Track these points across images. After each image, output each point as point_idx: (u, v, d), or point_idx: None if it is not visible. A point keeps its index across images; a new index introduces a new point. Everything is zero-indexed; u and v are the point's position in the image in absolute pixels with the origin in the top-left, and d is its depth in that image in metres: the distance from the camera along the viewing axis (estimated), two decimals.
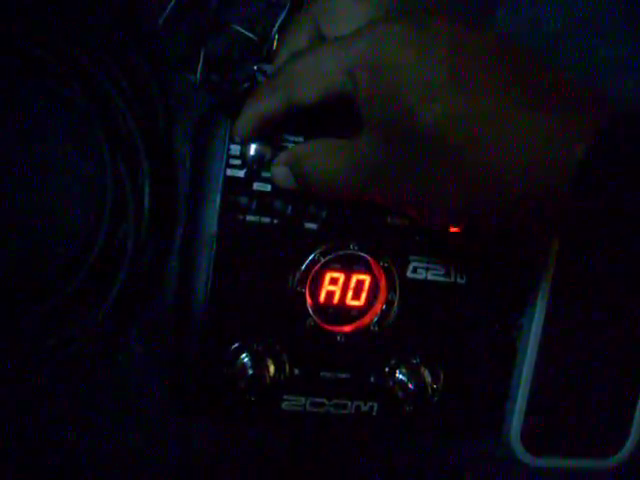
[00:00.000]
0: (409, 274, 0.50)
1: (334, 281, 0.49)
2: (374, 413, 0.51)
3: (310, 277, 0.48)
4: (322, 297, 0.49)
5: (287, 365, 0.49)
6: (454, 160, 0.37)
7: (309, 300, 0.49)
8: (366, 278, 0.49)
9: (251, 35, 0.52)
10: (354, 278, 0.49)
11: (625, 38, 0.58)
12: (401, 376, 0.50)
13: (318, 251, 0.48)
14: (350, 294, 0.50)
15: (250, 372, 0.47)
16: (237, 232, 0.47)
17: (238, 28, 0.52)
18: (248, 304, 0.48)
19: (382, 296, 0.50)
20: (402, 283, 0.49)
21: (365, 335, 0.50)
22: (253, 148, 0.46)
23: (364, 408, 0.51)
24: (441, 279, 0.50)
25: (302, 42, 0.44)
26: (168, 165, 0.51)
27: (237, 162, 0.47)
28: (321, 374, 0.50)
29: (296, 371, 0.49)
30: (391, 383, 0.50)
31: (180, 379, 0.50)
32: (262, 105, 0.44)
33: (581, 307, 0.53)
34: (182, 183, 0.50)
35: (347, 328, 0.50)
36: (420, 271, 0.50)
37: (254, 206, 0.47)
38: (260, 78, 0.50)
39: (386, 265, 0.49)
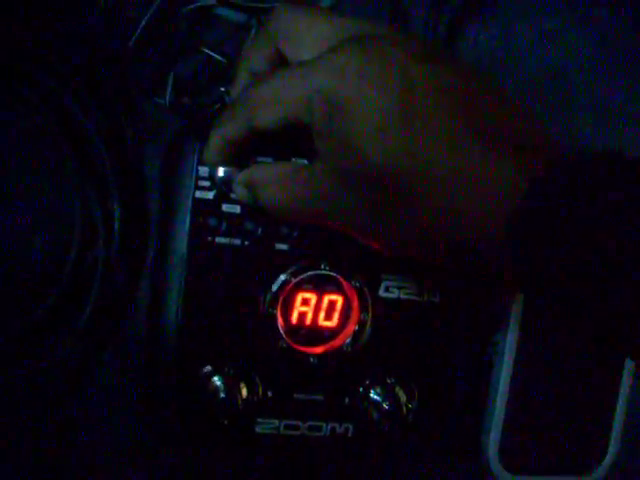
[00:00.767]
0: (381, 293, 0.49)
1: (306, 302, 0.49)
2: (350, 434, 0.51)
3: (281, 298, 0.48)
4: (294, 318, 0.49)
5: (260, 388, 0.48)
6: (401, 197, 0.38)
7: (281, 321, 0.48)
8: (338, 298, 0.49)
9: (220, 58, 0.53)
10: (326, 298, 0.49)
11: (594, 48, 0.58)
12: (376, 396, 0.50)
13: (289, 272, 0.48)
14: (322, 315, 0.49)
15: (222, 396, 0.47)
16: (207, 254, 0.47)
17: (207, 51, 0.53)
18: (219, 326, 0.47)
19: (355, 316, 0.49)
20: (374, 302, 0.49)
21: (338, 356, 0.49)
22: (222, 170, 0.46)
23: (339, 430, 0.50)
24: (414, 298, 0.50)
25: (261, 63, 0.44)
26: (138, 188, 0.51)
27: (206, 184, 0.47)
28: (295, 396, 0.49)
29: (269, 393, 0.49)
30: (366, 404, 0.50)
31: (151, 405, 0.49)
32: (225, 130, 0.44)
33: (557, 322, 0.53)
34: (152, 206, 0.50)
35: (320, 349, 0.49)
36: (393, 290, 0.50)
37: (224, 227, 0.47)
38: (228, 101, 0.49)
39: (358, 285, 0.49)
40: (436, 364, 0.51)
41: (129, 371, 0.50)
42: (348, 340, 0.50)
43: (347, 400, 0.50)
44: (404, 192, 0.38)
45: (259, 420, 0.49)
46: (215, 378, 0.48)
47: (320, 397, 0.50)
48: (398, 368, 0.51)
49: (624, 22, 0.60)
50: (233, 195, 0.46)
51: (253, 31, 0.52)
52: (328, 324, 0.49)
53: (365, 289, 0.49)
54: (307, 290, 0.49)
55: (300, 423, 0.50)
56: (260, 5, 0.52)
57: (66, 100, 0.49)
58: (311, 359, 0.49)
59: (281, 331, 0.48)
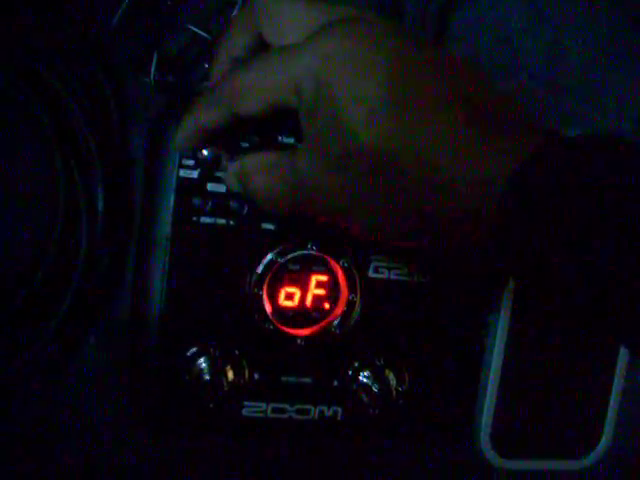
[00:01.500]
0: (371, 274, 0.49)
1: (293, 282, 0.48)
2: (339, 418, 0.50)
3: (268, 279, 0.47)
4: (281, 299, 0.48)
5: (246, 370, 0.48)
6: (391, 179, 0.37)
7: (267, 303, 0.47)
8: (326, 279, 0.48)
9: (205, 35, 0.51)
10: (313, 279, 0.48)
11: (590, 29, 0.57)
12: (365, 379, 0.49)
13: (275, 251, 0.47)
14: (310, 296, 0.48)
15: (207, 378, 0.46)
16: (192, 234, 0.46)
17: (193, 28, 0.51)
18: (204, 308, 0.46)
19: (343, 297, 0.49)
20: (363, 283, 0.48)
21: (326, 338, 0.48)
22: (205, 149, 0.45)
23: (328, 413, 0.49)
24: (404, 278, 0.49)
25: (242, 48, 0.43)
26: (122, 168, 0.50)
27: (190, 163, 0.46)
28: (282, 379, 0.48)
29: (256, 376, 0.48)
30: (355, 386, 0.49)
31: (137, 387, 0.48)
32: (204, 118, 0.42)
33: (546, 308, 0.52)
34: (136, 186, 0.49)
35: (307, 331, 0.49)
36: (382, 270, 0.49)
37: (209, 207, 0.46)
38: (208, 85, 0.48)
39: (346, 265, 0.48)
40: (427, 346, 0.50)
41: (113, 354, 0.49)
42: (336, 322, 0.49)
43: (336, 383, 0.49)
44: (393, 175, 0.37)
45: (246, 403, 0.48)
46: (200, 360, 0.47)
47: (308, 380, 0.49)
48: (388, 350, 0.50)
49: (620, 2, 0.59)
50: (220, 174, 0.45)
51: (236, 9, 0.51)
52: (316, 305, 0.48)
53: (354, 270, 0.48)
54: (294, 271, 0.48)
55: (288, 406, 0.49)
56: None
57: (49, 79, 0.48)
58: (298, 341, 0.48)
59: (268, 312, 0.48)
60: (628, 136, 0.56)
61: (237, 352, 0.47)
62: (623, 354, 0.55)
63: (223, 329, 0.47)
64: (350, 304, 0.48)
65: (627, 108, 0.59)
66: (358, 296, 0.48)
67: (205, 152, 0.45)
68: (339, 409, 0.50)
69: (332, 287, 0.48)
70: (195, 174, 0.46)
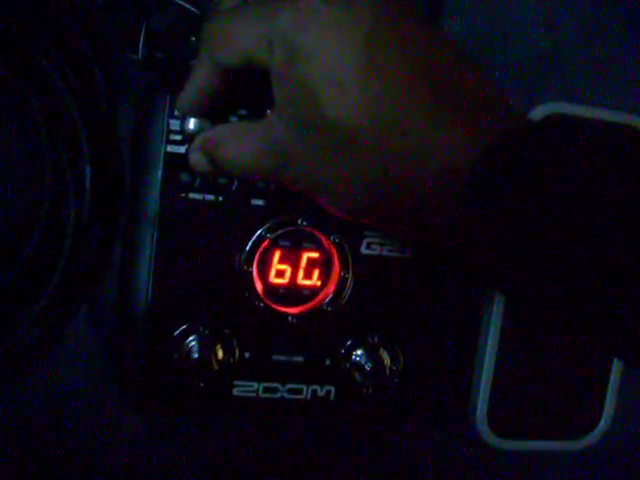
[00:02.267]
0: (363, 250, 0.48)
1: (283, 259, 0.47)
2: (331, 397, 0.49)
3: (258, 256, 0.46)
4: (271, 277, 0.47)
5: (237, 349, 0.47)
6: (355, 156, 0.36)
7: (258, 280, 0.47)
8: (317, 255, 0.47)
9: (194, 10, 0.51)
10: (304, 256, 0.47)
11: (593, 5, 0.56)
12: (358, 358, 0.48)
13: (265, 227, 0.46)
14: (301, 273, 0.47)
15: (196, 356, 0.45)
16: (180, 210, 0.45)
17: (181, 2, 0.51)
18: (193, 285, 0.46)
19: (335, 274, 0.48)
20: (355, 260, 0.47)
21: (318, 315, 0.48)
22: (193, 122, 0.44)
23: (320, 393, 0.49)
24: (397, 255, 0.48)
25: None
26: (109, 145, 0.49)
27: (177, 137, 0.45)
28: (273, 358, 0.47)
29: (246, 355, 0.47)
30: (348, 365, 0.48)
31: (126, 367, 0.48)
32: (196, 76, 0.42)
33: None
34: (124, 163, 0.48)
35: (299, 309, 0.48)
36: (374, 247, 0.48)
37: (197, 183, 0.45)
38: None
39: (338, 241, 0.47)
40: (421, 324, 0.49)
41: (102, 333, 0.48)
42: (328, 299, 0.48)
43: (328, 362, 0.48)
44: (357, 150, 0.36)
45: (237, 383, 0.47)
46: (190, 338, 0.46)
47: (300, 359, 0.48)
48: (381, 328, 0.49)
49: None
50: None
51: None
52: (307, 282, 0.48)
53: (346, 246, 0.47)
54: (284, 247, 0.47)
55: (279, 386, 0.48)
56: None
57: (35, 56, 0.47)
58: (290, 319, 0.47)
59: (258, 290, 0.47)
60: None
61: (227, 331, 0.47)
62: None
63: (213, 307, 0.46)
64: (342, 281, 0.47)
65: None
66: (350, 273, 0.47)
67: (192, 126, 0.44)
68: (332, 388, 0.49)
69: (323, 264, 0.48)
70: (183, 149, 0.45)
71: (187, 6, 0.51)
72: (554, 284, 0.33)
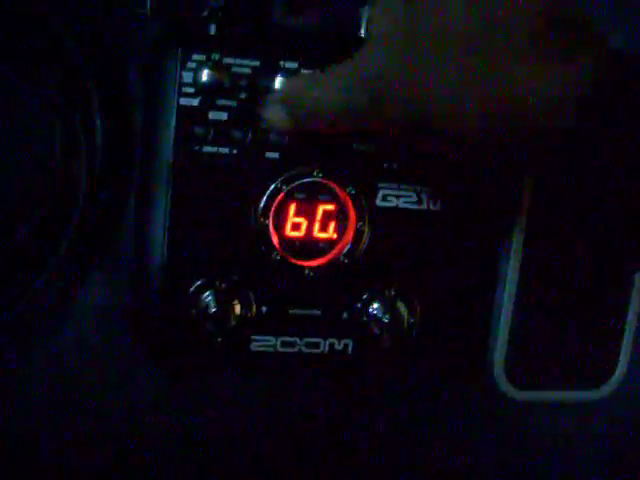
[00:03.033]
0: (379, 202, 0.47)
1: (299, 212, 0.47)
2: (349, 351, 0.49)
3: (273, 208, 0.46)
4: (287, 230, 0.47)
5: (253, 303, 0.46)
6: (469, 71, 0.37)
7: (274, 233, 0.46)
8: (333, 208, 0.47)
9: None
10: (320, 208, 0.47)
11: None
12: (375, 310, 0.48)
13: (280, 180, 0.45)
14: (317, 225, 0.47)
15: (213, 310, 0.45)
16: (194, 164, 0.45)
17: None
18: (209, 239, 0.45)
19: (351, 226, 0.47)
20: (372, 212, 0.47)
21: (335, 268, 0.47)
22: (205, 74, 0.44)
23: (338, 346, 0.48)
24: (413, 207, 0.48)
25: None
26: (120, 99, 0.48)
27: (190, 90, 0.44)
28: (290, 312, 0.47)
29: (264, 309, 0.47)
30: (365, 318, 0.48)
31: (142, 324, 0.47)
32: None
33: (564, 231, 0.50)
34: (136, 117, 0.48)
35: (316, 262, 0.47)
36: (390, 199, 0.47)
37: (211, 136, 0.45)
38: (213, 3, 0.47)
39: (353, 193, 0.46)
40: (438, 276, 0.49)
41: (118, 289, 0.48)
42: (345, 252, 0.47)
43: (345, 315, 0.48)
44: (469, 67, 0.37)
45: (254, 337, 0.47)
46: (206, 293, 0.46)
47: (317, 312, 0.48)
48: (398, 280, 0.48)
49: None
50: (221, 102, 0.43)
51: None
52: (324, 235, 0.47)
53: (362, 198, 0.47)
54: (300, 200, 0.46)
55: (297, 340, 0.48)
56: None
57: (44, 13, 0.46)
58: (306, 272, 0.47)
59: (274, 243, 0.46)
60: None
61: (243, 285, 0.46)
62: (639, 285, 0.54)
63: (228, 262, 0.46)
64: (358, 233, 0.47)
65: None
66: (366, 225, 0.47)
67: (205, 77, 0.43)
68: (349, 342, 0.49)
69: (339, 216, 0.47)
70: (196, 102, 0.44)
71: None
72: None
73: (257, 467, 0.53)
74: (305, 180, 0.46)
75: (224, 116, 0.45)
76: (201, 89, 0.44)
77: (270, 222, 0.46)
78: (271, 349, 0.47)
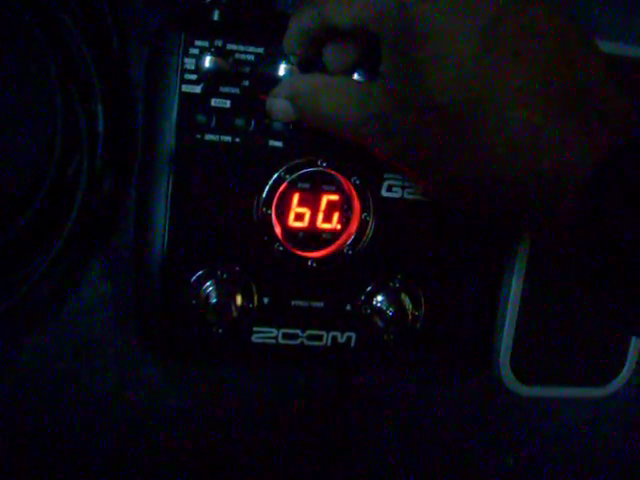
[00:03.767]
0: (384, 193, 0.46)
1: (303, 202, 0.46)
2: (352, 344, 0.48)
3: (276, 198, 0.45)
4: (290, 220, 0.46)
5: (255, 294, 0.46)
6: (459, 137, 0.35)
7: (276, 223, 0.45)
8: (337, 198, 0.46)
9: None
10: (324, 198, 0.46)
11: None
12: (379, 303, 0.47)
13: (283, 169, 0.44)
14: (321, 216, 0.46)
15: (214, 300, 0.44)
16: (196, 152, 0.44)
17: None
18: (211, 229, 0.44)
19: (355, 217, 0.46)
20: (376, 203, 0.46)
21: (339, 260, 0.46)
22: (208, 60, 0.43)
23: (341, 339, 0.48)
24: (419, 198, 0.47)
25: None
26: (121, 86, 0.48)
27: (193, 77, 0.43)
28: (293, 303, 0.46)
29: (265, 300, 0.46)
30: (369, 311, 0.47)
31: (143, 314, 0.47)
32: (302, 21, 0.41)
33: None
34: (137, 105, 0.47)
35: (319, 253, 0.47)
36: (396, 190, 0.47)
37: (213, 124, 0.44)
38: None
39: (358, 183, 0.46)
40: (443, 269, 0.48)
41: (118, 280, 0.47)
42: (349, 243, 0.47)
43: (349, 307, 0.47)
44: (461, 137, 0.35)
45: (256, 329, 0.46)
46: (207, 284, 0.45)
47: (320, 304, 0.47)
48: (402, 273, 0.48)
49: None
50: (223, 89, 0.42)
51: None
52: (327, 226, 0.46)
53: (366, 188, 0.46)
54: (304, 190, 0.46)
55: (299, 332, 0.47)
56: None
57: (45, 2, 0.46)
58: (309, 263, 0.46)
59: (277, 234, 0.46)
60: None
61: (245, 276, 0.45)
62: None
63: (230, 252, 0.45)
64: (362, 224, 0.46)
65: None
66: (371, 216, 0.46)
67: (207, 63, 0.43)
68: (353, 335, 0.48)
69: (344, 207, 0.46)
70: (198, 89, 0.44)
71: None
72: None
73: (257, 460, 0.53)
74: (309, 170, 0.45)
75: (227, 104, 0.44)
76: (204, 76, 0.43)
77: (273, 212, 0.45)
78: (272, 341, 0.47)
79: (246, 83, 0.44)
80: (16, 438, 0.49)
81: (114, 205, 0.47)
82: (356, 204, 0.46)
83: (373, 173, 0.46)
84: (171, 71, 0.44)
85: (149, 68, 0.46)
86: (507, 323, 0.50)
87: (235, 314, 0.45)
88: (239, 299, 0.45)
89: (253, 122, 0.44)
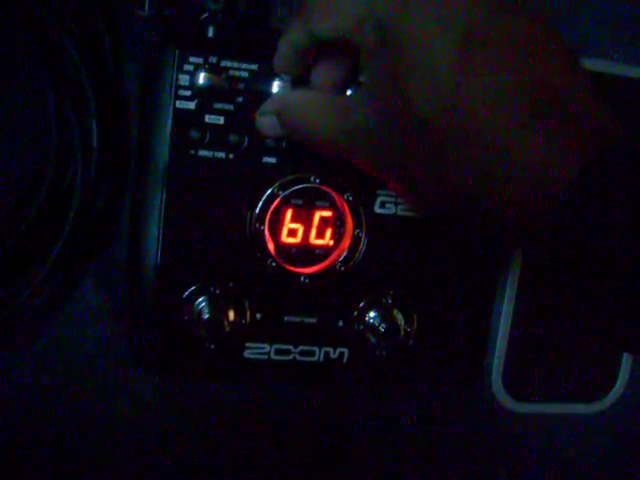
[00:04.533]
0: (377, 209, 0.47)
1: (296, 218, 0.46)
2: (344, 360, 0.48)
3: (269, 214, 0.45)
4: (283, 236, 0.46)
5: (248, 310, 0.46)
6: (438, 150, 0.35)
7: (269, 239, 0.46)
8: (330, 214, 0.46)
9: None
10: (317, 215, 0.46)
11: None
12: (372, 319, 0.47)
13: (276, 185, 0.45)
14: (314, 232, 0.46)
15: (207, 316, 0.44)
16: (189, 168, 0.44)
17: None
18: (204, 244, 0.45)
19: (348, 233, 0.47)
20: (369, 219, 0.46)
21: (331, 276, 0.47)
22: (202, 77, 0.43)
23: (333, 355, 0.48)
24: (412, 214, 0.47)
25: None
26: (116, 103, 0.48)
27: (187, 93, 0.44)
28: (285, 319, 0.46)
29: (258, 316, 0.46)
30: (361, 327, 0.47)
31: (135, 328, 0.47)
32: (290, 37, 0.41)
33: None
34: (132, 121, 0.47)
35: (312, 269, 0.47)
36: (388, 206, 0.47)
37: (207, 140, 0.44)
38: (212, 6, 0.46)
39: (351, 199, 0.46)
40: (436, 285, 0.48)
41: (111, 294, 0.47)
42: (341, 259, 0.47)
43: (341, 323, 0.47)
44: (439, 147, 0.35)
45: (248, 345, 0.46)
46: (200, 299, 0.45)
47: (312, 320, 0.47)
48: (395, 289, 0.48)
49: None
50: (217, 105, 0.43)
51: None
52: (320, 242, 0.47)
53: (359, 204, 0.46)
54: (297, 206, 0.46)
55: (292, 348, 0.47)
56: None
57: (41, 14, 0.46)
58: (302, 279, 0.46)
59: (270, 250, 0.46)
60: None
61: (238, 291, 0.45)
62: None
63: (223, 267, 0.45)
64: (355, 241, 0.46)
65: None
66: (364, 232, 0.46)
67: (201, 80, 0.43)
68: (345, 350, 0.48)
69: (336, 223, 0.46)
70: (192, 105, 0.44)
71: None
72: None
73: (250, 475, 0.52)
74: (302, 186, 0.45)
75: (221, 120, 0.44)
76: (198, 92, 0.43)
77: (266, 228, 0.45)
78: (265, 357, 0.47)
79: (240, 99, 0.44)
80: (7, 449, 0.48)
81: (107, 220, 0.47)
82: (349, 220, 0.46)
83: (366, 189, 0.46)
84: (165, 87, 0.44)
85: (143, 84, 0.47)
86: (499, 339, 0.50)
87: (227, 329, 0.45)
88: (232, 314, 0.45)
89: (247, 138, 0.45)
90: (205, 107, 0.44)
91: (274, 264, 0.46)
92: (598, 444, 0.58)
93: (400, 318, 0.48)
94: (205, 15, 0.48)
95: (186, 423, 0.50)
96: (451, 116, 0.34)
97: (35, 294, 0.46)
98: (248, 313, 0.46)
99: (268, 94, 0.44)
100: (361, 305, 0.47)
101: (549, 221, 0.33)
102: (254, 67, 0.44)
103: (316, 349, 0.47)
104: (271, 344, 0.47)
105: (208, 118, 0.44)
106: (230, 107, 0.44)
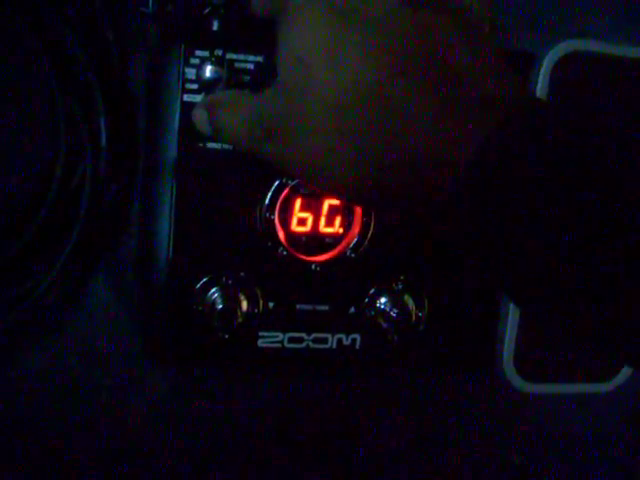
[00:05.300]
0: None
1: (305, 207, 0.46)
2: (357, 346, 0.48)
3: (279, 204, 0.46)
4: (293, 225, 0.46)
5: (260, 299, 0.46)
6: (344, 132, 0.36)
7: (280, 228, 0.46)
8: (339, 202, 0.47)
9: None
10: (326, 203, 0.47)
11: None
12: (383, 305, 0.48)
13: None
14: (323, 220, 0.47)
15: (220, 307, 0.44)
16: (198, 160, 0.44)
17: None
18: (215, 235, 0.45)
19: (357, 220, 0.47)
20: None
21: (342, 263, 0.47)
22: (209, 70, 0.43)
23: (346, 341, 0.48)
24: None
25: None
26: (123, 99, 0.48)
27: (194, 86, 0.44)
28: (297, 307, 0.47)
29: (270, 305, 0.46)
30: (373, 313, 0.48)
31: (149, 321, 0.47)
32: None
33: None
34: (139, 117, 0.48)
35: (322, 256, 0.47)
36: None
37: None
38: (215, 0, 0.47)
39: None
40: (446, 269, 0.49)
41: (123, 288, 0.48)
42: (351, 246, 0.47)
43: (353, 309, 0.48)
44: (344, 128, 0.35)
45: (261, 333, 0.47)
46: (213, 290, 0.45)
47: (324, 307, 0.47)
48: (405, 274, 0.48)
49: None
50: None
51: None
52: (330, 230, 0.47)
53: None
54: (306, 195, 0.46)
55: (304, 335, 0.48)
56: None
57: (47, 11, 0.46)
58: (313, 267, 0.47)
59: (280, 239, 0.46)
60: None
61: (250, 281, 0.46)
62: None
63: (235, 258, 0.46)
64: (364, 227, 0.47)
65: None
66: (372, 219, 0.47)
67: (208, 73, 0.43)
68: (357, 337, 0.48)
69: (345, 211, 0.47)
70: (199, 98, 0.44)
71: None
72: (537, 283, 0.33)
73: (263, 463, 0.53)
74: None
75: None
76: (204, 85, 0.44)
77: (276, 217, 0.46)
78: (278, 345, 0.47)
79: (246, 91, 0.44)
80: (21, 444, 0.49)
81: (118, 216, 0.48)
82: (357, 207, 0.47)
83: None
84: (172, 81, 0.44)
85: (150, 79, 0.47)
86: (510, 322, 0.50)
87: (241, 319, 0.45)
88: (244, 304, 0.46)
89: None
90: None
91: (285, 253, 0.46)
92: (609, 423, 0.58)
93: (411, 303, 0.48)
94: (208, 9, 0.48)
95: (201, 413, 0.51)
96: (355, 94, 0.35)
97: (47, 292, 0.47)
98: (261, 302, 0.46)
99: None
100: (372, 291, 0.48)
101: (453, 200, 0.34)
102: (260, 59, 0.44)
103: (329, 336, 0.48)
104: (284, 332, 0.47)
105: None
106: None
